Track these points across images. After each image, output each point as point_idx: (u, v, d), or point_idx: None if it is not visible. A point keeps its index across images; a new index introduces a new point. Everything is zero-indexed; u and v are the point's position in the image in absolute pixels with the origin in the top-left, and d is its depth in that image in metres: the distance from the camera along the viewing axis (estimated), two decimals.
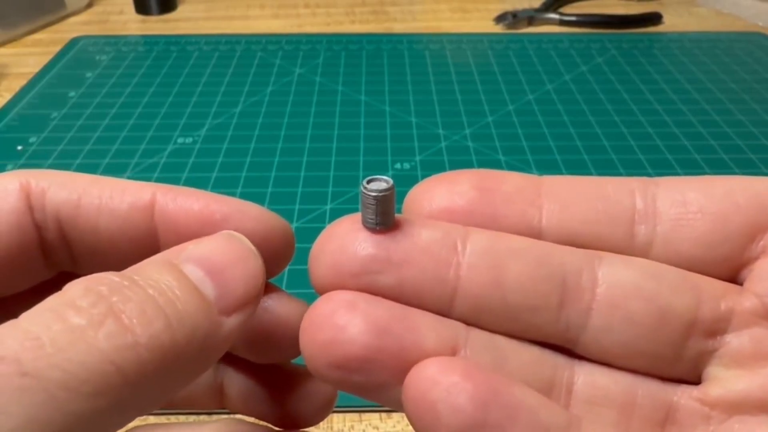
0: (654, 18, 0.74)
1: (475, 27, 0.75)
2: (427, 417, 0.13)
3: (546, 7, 0.76)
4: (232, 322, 0.15)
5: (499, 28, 0.74)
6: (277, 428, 0.19)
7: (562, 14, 0.74)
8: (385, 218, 0.15)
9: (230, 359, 0.20)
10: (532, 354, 0.15)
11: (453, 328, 0.15)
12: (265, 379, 0.19)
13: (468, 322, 0.15)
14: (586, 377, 0.15)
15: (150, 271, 0.14)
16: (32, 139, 0.52)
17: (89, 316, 0.12)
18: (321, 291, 0.15)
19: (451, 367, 0.14)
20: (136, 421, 0.21)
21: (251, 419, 0.21)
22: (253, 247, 0.16)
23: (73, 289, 0.13)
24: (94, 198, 0.17)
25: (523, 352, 0.15)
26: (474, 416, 0.13)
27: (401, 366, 0.14)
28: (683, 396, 0.15)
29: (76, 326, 0.12)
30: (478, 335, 0.15)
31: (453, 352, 0.15)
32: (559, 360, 0.15)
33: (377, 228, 0.15)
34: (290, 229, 0.18)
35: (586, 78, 0.62)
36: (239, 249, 0.16)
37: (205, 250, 0.15)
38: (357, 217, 0.15)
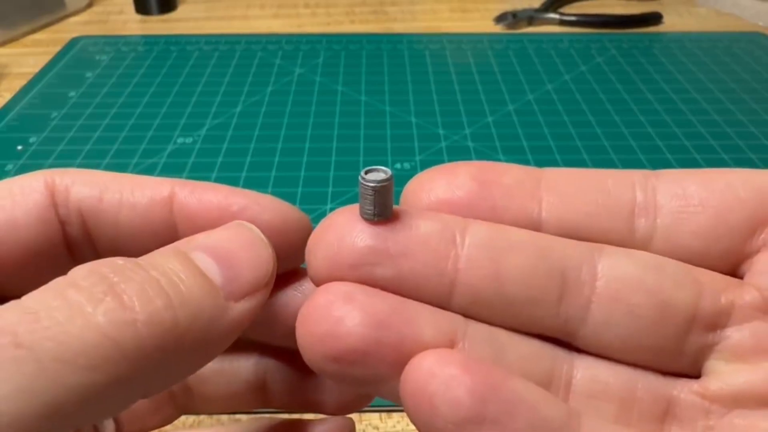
0: (654, 18, 0.74)
1: (475, 27, 0.75)
2: (424, 410, 0.13)
3: (546, 7, 0.76)
4: (240, 307, 0.15)
5: (499, 28, 0.74)
6: (318, 415, 0.20)
7: (562, 14, 0.74)
8: (383, 209, 0.14)
9: (270, 352, 0.20)
10: (532, 347, 0.15)
11: (451, 320, 0.15)
12: (307, 368, 0.20)
13: (467, 315, 0.15)
14: (586, 371, 0.15)
15: (157, 257, 0.14)
16: (32, 139, 0.52)
17: (89, 293, 0.13)
18: (318, 283, 0.15)
19: (449, 359, 0.14)
20: (168, 427, 0.21)
21: (279, 417, 0.21)
22: (262, 236, 0.16)
23: (78, 271, 0.13)
24: (115, 193, 0.17)
25: (522, 345, 0.15)
26: (472, 409, 0.13)
27: (399, 358, 0.14)
28: (683, 390, 0.15)
29: (75, 302, 0.12)
30: (477, 328, 0.15)
31: (451, 345, 0.14)
32: (559, 353, 0.15)
33: (375, 219, 0.15)
34: (308, 220, 0.18)
35: (586, 78, 0.62)
36: (248, 237, 0.16)
37: (214, 238, 0.16)
38: (355, 208, 0.15)
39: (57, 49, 0.67)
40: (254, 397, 0.20)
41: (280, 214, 0.17)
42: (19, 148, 0.50)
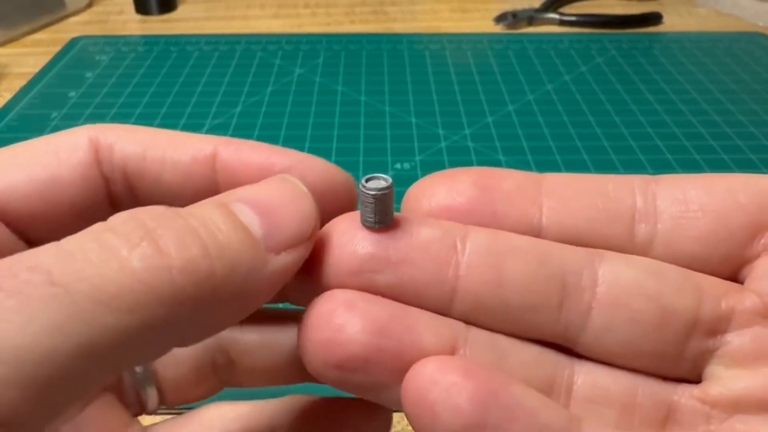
0: (654, 18, 0.74)
1: (475, 27, 0.75)
2: (426, 417, 0.13)
3: (546, 7, 0.76)
4: (280, 260, 0.14)
5: (499, 28, 0.74)
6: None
7: (562, 14, 0.74)
8: (384, 217, 0.14)
9: None
10: (532, 353, 0.15)
11: (452, 327, 0.15)
12: None
13: (468, 322, 0.15)
14: (587, 376, 0.15)
15: (198, 208, 0.14)
16: None
17: (126, 238, 0.13)
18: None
19: (450, 366, 0.14)
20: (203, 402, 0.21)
21: (317, 396, 0.21)
22: (305, 189, 0.16)
23: (117, 217, 0.13)
24: (158, 151, 0.17)
25: (523, 352, 0.15)
26: (473, 416, 0.13)
27: (400, 366, 0.14)
28: (684, 395, 0.15)
29: (111, 246, 0.12)
30: (478, 334, 0.15)
31: (452, 352, 0.14)
32: (560, 359, 0.15)
33: (376, 227, 0.15)
34: (353, 183, 0.18)
35: (585, 78, 0.62)
36: (291, 190, 0.15)
37: (256, 191, 0.15)
38: (356, 215, 0.15)
39: (57, 49, 0.67)
40: (297, 371, 0.20)
41: (326, 175, 0.17)
42: None
